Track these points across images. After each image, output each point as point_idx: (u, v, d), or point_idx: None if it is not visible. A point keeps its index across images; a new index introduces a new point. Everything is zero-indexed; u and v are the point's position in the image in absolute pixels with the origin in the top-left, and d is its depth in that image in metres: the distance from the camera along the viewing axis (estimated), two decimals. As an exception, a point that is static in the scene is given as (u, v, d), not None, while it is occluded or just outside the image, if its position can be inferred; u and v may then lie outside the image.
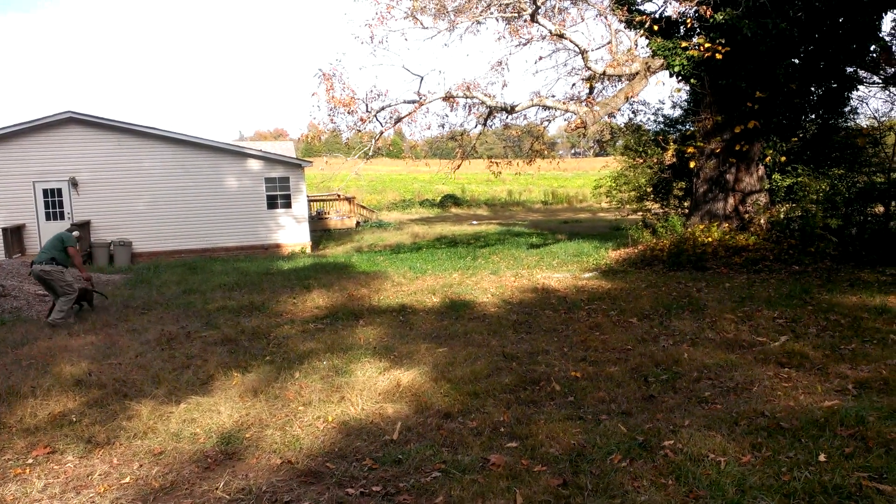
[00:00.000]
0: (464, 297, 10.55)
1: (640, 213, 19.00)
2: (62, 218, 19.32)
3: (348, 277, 12.86)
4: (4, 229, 17.86)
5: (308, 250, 21.11)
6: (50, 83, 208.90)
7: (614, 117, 17.80)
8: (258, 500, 3.92)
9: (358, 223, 28.61)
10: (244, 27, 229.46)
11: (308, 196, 24.52)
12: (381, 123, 14.01)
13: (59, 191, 19.32)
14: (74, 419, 5.46)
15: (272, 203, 21.18)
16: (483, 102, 15.09)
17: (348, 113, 13.44)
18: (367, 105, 13.60)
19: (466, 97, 15.04)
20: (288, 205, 21.29)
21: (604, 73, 14.85)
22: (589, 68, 14.87)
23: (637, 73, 14.56)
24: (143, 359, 7.30)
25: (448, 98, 14.85)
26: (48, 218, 19.32)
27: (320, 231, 25.59)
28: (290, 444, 4.80)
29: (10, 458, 4.70)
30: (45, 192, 19.21)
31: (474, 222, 29.48)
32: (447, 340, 7.85)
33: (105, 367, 6.99)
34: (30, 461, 4.60)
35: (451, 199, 40.71)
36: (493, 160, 17.65)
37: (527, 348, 7.28)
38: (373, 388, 5.94)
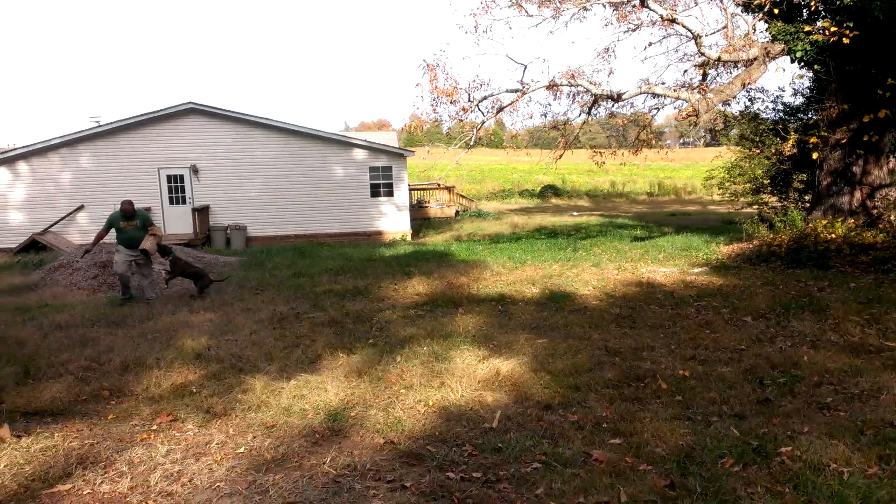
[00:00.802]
0: (564, 288, 10.38)
1: (756, 207, 17.95)
2: (184, 203, 20.70)
3: (448, 266, 12.98)
4: (135, 212, 19.38)
5: (408, 238, 21.50)
6: (171, 74, 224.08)
7: (729, 105, 16.88)
8: (362, 477, 4.03)
9: (457, 212, 28.83)
10: (352, 20, 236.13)
11: (409, 185, 24.93)
12: (482, 113, 14.00)
13: (181, 177, 20.71)
14: (194, 390, 5.84)
15: (375, 191, 21.71)
16: (588, 91, 14.74)
17: (451, 103, 13.52)
18: (469, 95, 13.62)
19: (571, 85, 14.74)
20: (390, 193, 21.76)
21: (718, 59, 14.09)
22: (702, 54, 14.16)
23: (755, 59, 13.71)
24: (257, 336, 7.70)
25: (551, 87, 14.61)
26: (171, 202, 20.76)
27: (420, 219, 26.00)
28: (393, 426, 4.90)
29: (136, 423, 5.08)
30: (168, 177, 20.64)
31: (575, 213, 28.95)
32: (547, 332, 7.75)
33: (222, 342, 7.43)
34: (154, 427, 4.96)
35: (551, 190, 40.16)
36: (596, 150, 17.23)
37: (631, 344, 7.07)
38: (472, 375, 5.96)
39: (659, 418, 4.90)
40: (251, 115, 20.77)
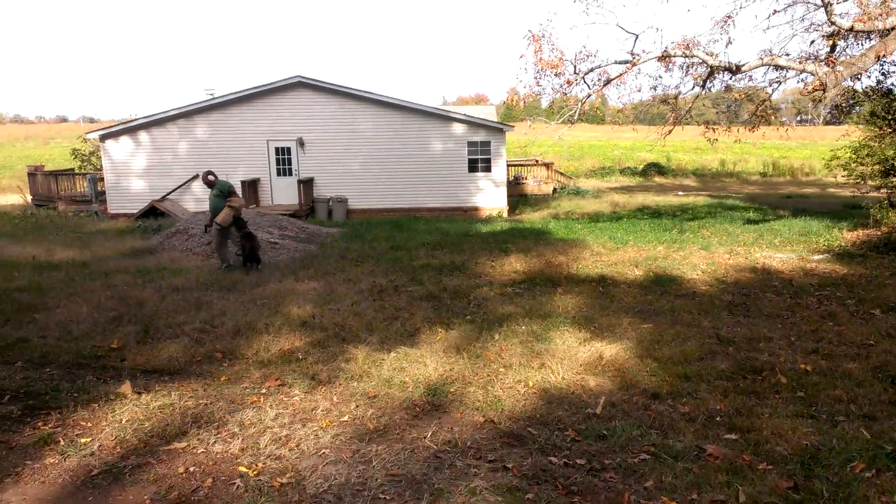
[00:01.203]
0: (670, 271, 9.93)
1: (885, 191, 16.42)
2: (289, 174, 21.45)
3: (546, 244, 12.73)
4: (243, 182, 20.25)
5: (504, 214, 21.31)
6: (278, 47, 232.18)
7: (859, 79, 15.49)
8: (463, 455, 3.99)
9: (555, 189, 28.27)
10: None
11: (506, 161, 24.61)
12: (588, 86, 13.51)
13: (288, 149, 21.43)
14: (300, 357, 6.02)
15: (473, 166, 21.61)
16: (704, 62, 13.89)
17: (555, 75, 13.12)
18: (575, 66, 13.16)
19: (685, 56, 13.93)
20: (488, 169, 21.61)
21: (850, 29, 12.86)
22: (832, 23, 12.97)
23: (892, 29, 12.41)
24: (358, 307, 7.85)
25: (664, 58, 13.87)
26: (278, 174, 21.57)
27: (517, 196, 25.68)
28: (492, 404, 4.84)
29: (247, 386, 5.29)
30: (276, 149, 21.43)
31: (680, 193, 27.68)
32: (652, 316, 7.43)
33: (326, 311, 7.63)
34: (263, 391, 5.14)
35: (654, 168, 38.59)
36: (709, 125, 16.29)
37: (745, 333, 6.64)
38: (573, 358, 5.80)
39: (779, 415, 4.56)
40: (355, 89, 21.12)
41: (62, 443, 4.10)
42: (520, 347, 6.18)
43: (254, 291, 8.97)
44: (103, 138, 21.56)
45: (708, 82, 15.28)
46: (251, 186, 20.82)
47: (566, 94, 13.62)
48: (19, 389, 5.02)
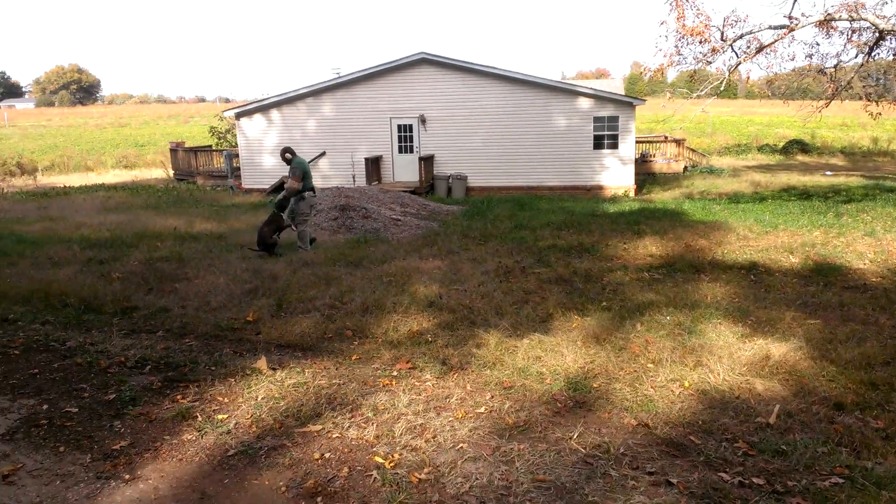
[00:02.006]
0: (832, 260, 8.83)
1: None
2: (411, 151, 21.51)
3: (683, 226, 11.82)
4: (367, 159, 20.54)
5: (631, 194, 20.24)
6: (399, 25, 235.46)
7: None
8: (617, 463, 3.56)
9: (685, 168, 26.57)
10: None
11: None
12: (736, 54, 12.32)
13: (410, 126, 21.46)
14: (430, 339, 5.78)
15: (598, 143, 20.64)
16: (873, 26, 12.27)
17: (699, 42, 12.06)
18: (722, 33, 12.02)
19: (850, 20, 12.38)
20: (615, 145, 20.55)
21: None
22: None
23: None
24: (485, 288, 7.52)
25: (824, 22, 12.40)
26: (400, 151, 21.68)
27: (643, 174, 24.36)
28: (644, 405, 4.35)
29: (378, 367, 5.10)
30: (398, 127, 21.52)
31: (828, 173, 25.14)
32: (818, 311, 6.56)
33: (452, 291, 7.37)
34: (395, 373, 4.93)
35: (797, 145, 35.40)
36: (870, 99, 14.51)
37: (940, 335, 5.67)
38: (735, 356, 5.15)
39: None
40: (478, 65, 20.72)
41: (199, 419, 4.07)
42: (668, 341, 5.59)
43: (379, 268, 8.89)
44: (238, 116, 22.59)
45: (875, 49, 13.56)
46: (374, 163, 21.07)
47: (709, 62, 12.51)
48: (160, 360, 5.13)
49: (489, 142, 21.15)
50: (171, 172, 27.58)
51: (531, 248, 10.27)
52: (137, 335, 5.88)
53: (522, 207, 15.58)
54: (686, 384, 4.67)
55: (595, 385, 4.71)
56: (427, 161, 20.72)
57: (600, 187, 20.84)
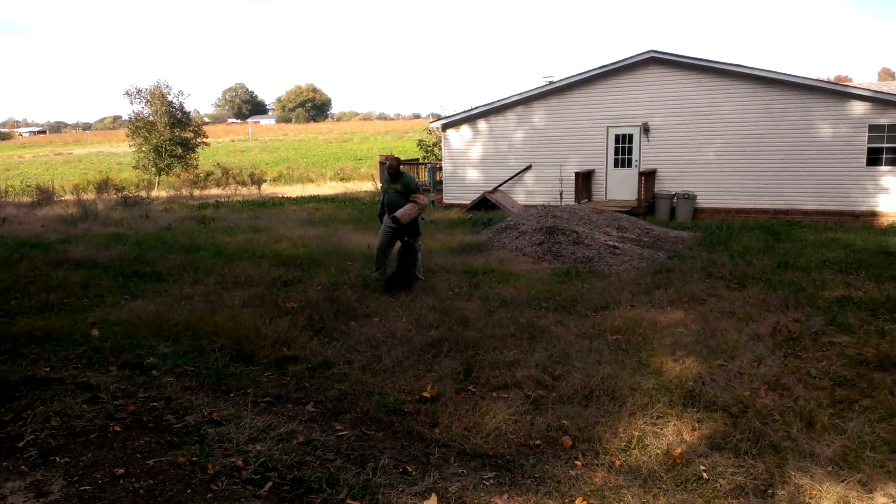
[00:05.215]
0: None
1: None
2: (629, 165, 18.87)
3: None
4: (577, 174, 18.33)
5: (919, 223, 15.68)
6: (627, 26, 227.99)
7: None
8: None
9: None
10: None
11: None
12: None
13: (630, 137, 18.84)
14: (704, 473, 3.51)
15: (874, 158, 16.31)
16: None
17: None
18: None
19: None
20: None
21: None
22: None
23: None
24: (768, 369, 5.01)
25: None
26: (615, 165, 19.15)
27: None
28: None
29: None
30: (616, 137, 19.02)
31: None
32: None
33: (716, 371, 4.99)
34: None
35: None
36: None
37: None
38: None
39: None
40: (717, 62, 17.53)
41: None
42: None
43: (600, 317, 6.74)
44: (444, 128, 21.71)
45: None
46: (585, 179, 18.81)
47: None
48: (289, 470, 3.43)
49: (726, 155, 17.79)
50: (379, 185, 27.78)
51: (813, 298, 7.41)
52: (280, 408, 4.37)
53: (777, 238, 12.37)
54: None
55: None
56: (648, 177, 17.93)
57: (873, 214, 16.46)
